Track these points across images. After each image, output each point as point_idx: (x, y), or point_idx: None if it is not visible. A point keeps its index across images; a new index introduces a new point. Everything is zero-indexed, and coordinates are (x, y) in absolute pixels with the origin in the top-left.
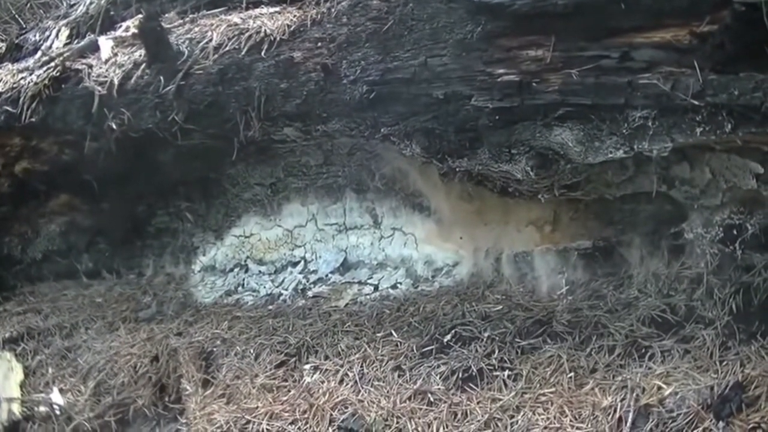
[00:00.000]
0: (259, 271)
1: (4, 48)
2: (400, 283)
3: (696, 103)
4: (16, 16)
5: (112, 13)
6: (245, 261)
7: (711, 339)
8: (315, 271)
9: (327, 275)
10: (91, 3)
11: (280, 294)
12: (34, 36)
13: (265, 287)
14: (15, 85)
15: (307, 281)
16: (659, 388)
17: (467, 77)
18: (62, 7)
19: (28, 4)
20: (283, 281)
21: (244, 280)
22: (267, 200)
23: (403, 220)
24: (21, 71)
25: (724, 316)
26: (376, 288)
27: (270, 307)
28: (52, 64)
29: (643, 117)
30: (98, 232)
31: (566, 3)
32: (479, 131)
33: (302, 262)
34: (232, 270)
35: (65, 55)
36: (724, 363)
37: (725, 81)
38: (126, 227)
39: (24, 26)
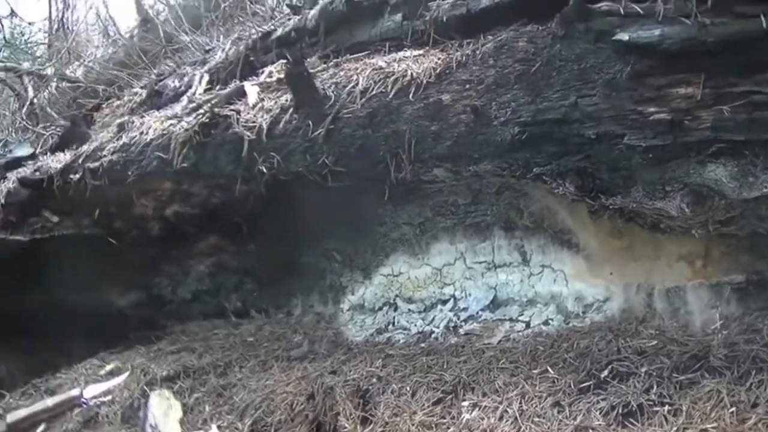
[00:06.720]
0: (409, 309)
1: (144, 94)
2: (552, 320)
3: None
4: (150, 63)
5: (251, 58)
6: (394, 299)
7: None
8: (465, 309)
9: (477, 312)
10: (230, 49)
11: (432, 332)
12: (173, 82)
13: (415, 325)
14: (164, 132)
15: (458, 318)
16: None
17: (618, 116)
18: (198, 54)
19: (163, 51)
20: (433, 319)
21: (394, 318)
22: (415, 239)
23: (552, 257)
24: (169, 118)
25: None
26: (527, 325)
27: (422, 344)
28: (201, 110)
29: None
30: (246, 273)
31: (716, 40)
32: (632, 169)
33: (452, 300)
34: (381, 308)
35: (213, 101)
36: None
37: None
38: (273, 267)
39: (161, 73)
